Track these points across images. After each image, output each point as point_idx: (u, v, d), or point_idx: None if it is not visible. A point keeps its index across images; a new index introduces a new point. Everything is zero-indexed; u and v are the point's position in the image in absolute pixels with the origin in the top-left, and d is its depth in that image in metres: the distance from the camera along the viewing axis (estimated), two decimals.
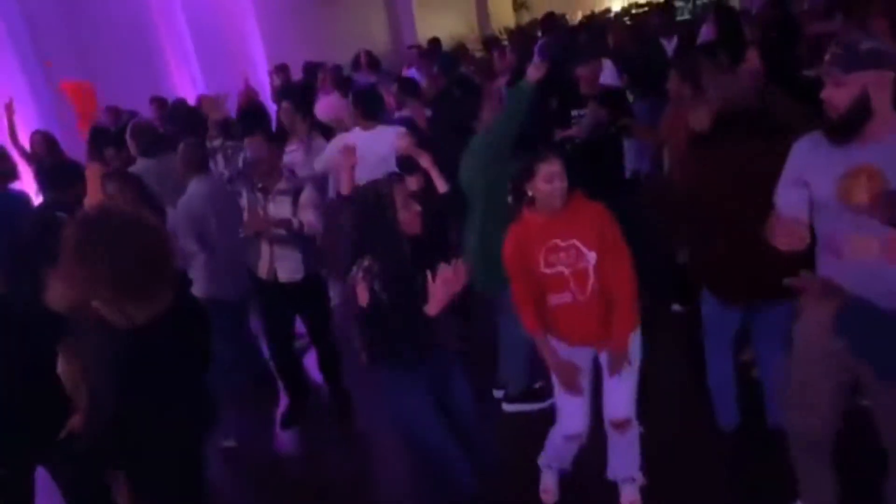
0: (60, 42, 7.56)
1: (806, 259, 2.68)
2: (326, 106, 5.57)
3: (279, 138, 4.51)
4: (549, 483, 3.09)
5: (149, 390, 2.01)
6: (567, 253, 2.62)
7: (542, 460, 3.12)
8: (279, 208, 3.77)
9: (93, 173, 3.06)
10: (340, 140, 4.39)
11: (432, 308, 2.45)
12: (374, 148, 4.17)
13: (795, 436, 2.51)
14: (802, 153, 2.26)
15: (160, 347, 2.02)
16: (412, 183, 3.59)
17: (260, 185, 3.79)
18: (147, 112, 7.00)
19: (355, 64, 8.39)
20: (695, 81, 3.63)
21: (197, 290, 3.82)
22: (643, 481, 2.98)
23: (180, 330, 2.09)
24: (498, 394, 3.89)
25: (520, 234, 2.71)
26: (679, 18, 10.58)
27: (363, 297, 2.49)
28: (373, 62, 8.21)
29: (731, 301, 2.93)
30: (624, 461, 2.92)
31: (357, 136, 4.30)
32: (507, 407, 3.81)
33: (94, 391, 2.08)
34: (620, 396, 2.77)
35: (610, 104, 4.27)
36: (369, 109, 4.46)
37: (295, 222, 3.74)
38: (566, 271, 2.64)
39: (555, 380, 2.82)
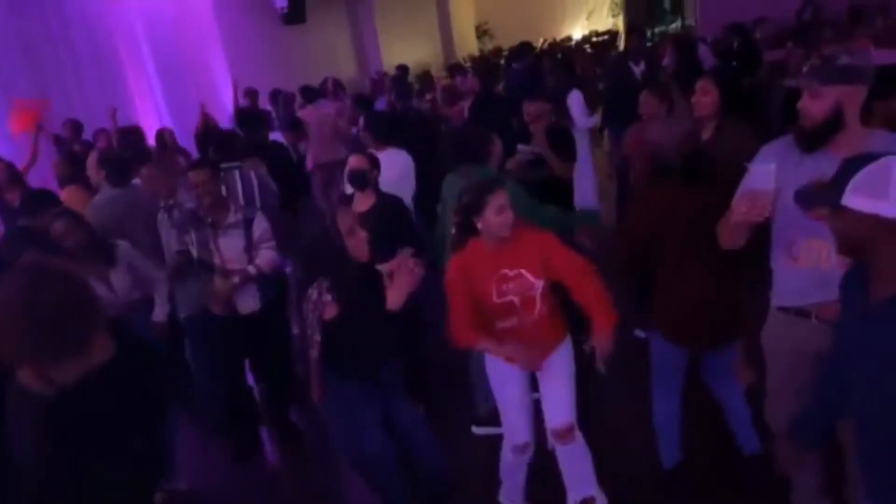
0: (17, 66, 7.41)
1: (740, 311, 2.82)
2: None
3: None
4: None
5: (81, 457, 1.84)
6: (515, 282, 2.66)
7: (502, 496, 3.10)
8: (231, 242, 3.67)
9: (78, 197, 2.96)
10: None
11: (392, 302, 2.53)
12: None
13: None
14: (774, 153, 2.30)
15: (91, 408, 1.83)
16: (364, 202, 3.68)
17: (209, 220, 3.67)
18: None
19: (321, 91, 8.45)
20: (670, 103, 3.71)
21: (184, 309, 3.87)
22: (604, 501, 2.93)
23: (120, 382, 1.90)
24: (479, 431, 3.80)
25: (465, 262, 2.71)
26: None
27: (330, 310, 2.55)
28: (338, 88, 8.35)
29: (680, 342, 2.92)
30: (576, 476, 2.88)
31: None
32: (476, 430, 3.78)
33: (18, 463, 1.87)
34: (560, 403, 2.78)
35: (553, 142, 4.21)
36: (381, 132, 4.58)
37: (252, 269, 3.65)
38: (515, 300, 2.69)
39: (497, 393, 2.86)
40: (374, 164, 3.79)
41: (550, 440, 2.85)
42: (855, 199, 1.58)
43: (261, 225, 3.72)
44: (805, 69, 2.25)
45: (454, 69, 9.75)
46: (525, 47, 8.72)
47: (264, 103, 8.78)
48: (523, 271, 2.66)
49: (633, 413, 3.43)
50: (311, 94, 7.61)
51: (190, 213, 3.75)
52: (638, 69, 6.71)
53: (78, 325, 1.78)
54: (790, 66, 5.80)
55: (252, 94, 8.58)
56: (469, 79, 7.18)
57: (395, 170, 4.28)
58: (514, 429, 2.88)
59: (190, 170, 3.75)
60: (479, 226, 2.63)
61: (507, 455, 2.96)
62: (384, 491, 2.89)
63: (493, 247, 2.66)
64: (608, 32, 14.75)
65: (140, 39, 9.13)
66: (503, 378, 2.84)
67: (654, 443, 3.13)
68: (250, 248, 3.69)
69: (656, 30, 15.16)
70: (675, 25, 15.18)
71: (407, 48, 14.53)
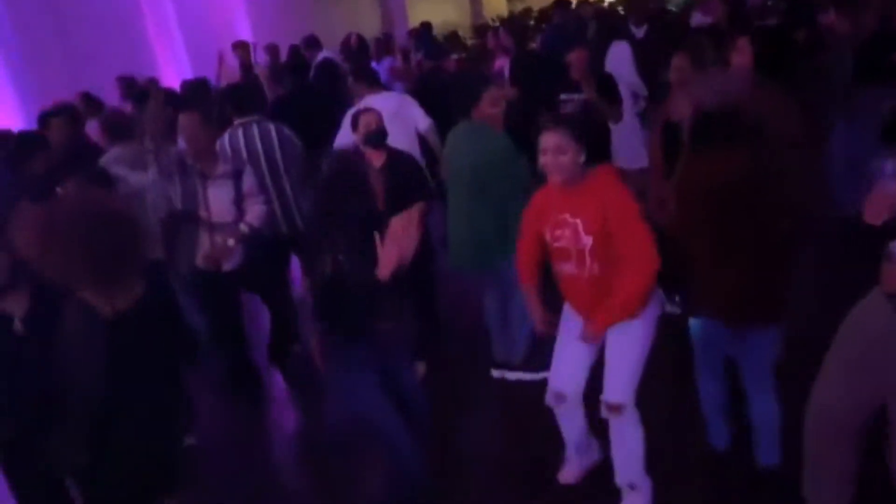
0: (42, 22, 7.30)
1: (788, 282, 2.61)
2: None
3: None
4: (568, 464, 3.02)
5: (127, 378, 2.00)
6: (569, 230, 2.57)
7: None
8: (220, 192, 3.54)
9: None
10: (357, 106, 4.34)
11: (383, 270, 2.45)
12: (385, 106, 4.12)
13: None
14: None
15: (137, 335, 2.02)
16: (377, 158, 3.64)
17: (198, 168, 3.53)
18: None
19: (345, 47, 8.28)
20: (703, 66, 3.46)
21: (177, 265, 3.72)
22: (648, 492, 2.76)
23: (153, 320, 2.08)
24: (497, 373, 3.86)
25: (538, 200, 2.76)
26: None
27: (328, 266, 2.49)
28: (363, 46, 8.13)
29: (714, 317, 2.73)
30: (621, 460, 2.75)
31: (369, 100, 4.31)
32: (509, 375, 3.81)
33: (73, 381, 2.00)
34: (615, 379, 2.65)
35: (601, 86, 4.21)
36: (372, 80, 4.72)
37: (244, 227, 3.56)
38: (570, 247, 2.59)
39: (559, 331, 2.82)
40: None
41: (603, 409, 2.71)
42: None
43: (249, 178, 3.63)
44: None
45: (481, 29, 9.53)
46: (561, 2, 8.43)
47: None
48: (579, 221, 2.54)
49: (680, 396, 3.24)
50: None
51: (177, 159, 3.61)
52: (639, 33, 6.36)
53: (132, 257, 1.99)
54: (838, 33, 5.49)
55: (273, 49, 8.40)
56: (501, 36, 6.89)
57: (389, 105, 4.21)
58: (552, 373, 2.83)
59: (181, 113, 3.63)
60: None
61: (548, 399, 2.89)
62: (391, 453, 2.74)
63: (559, 188, 2.60)
64: None
65: (166, 2, 8.99)
66: (564, 318, 2.82)
67: (702, 427, 2.98)
68: (239, 200, 3.59)
69: None
70: None
71: (433, 8, 14.20)
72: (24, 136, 4.34)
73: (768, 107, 2.82)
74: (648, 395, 2.75)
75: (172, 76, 8.86)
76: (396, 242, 2.47)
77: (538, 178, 2.79)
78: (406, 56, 8.72)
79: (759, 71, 3.20)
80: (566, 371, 2.78)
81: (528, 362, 3.75)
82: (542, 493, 3.00)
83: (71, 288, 1.97)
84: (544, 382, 2.91)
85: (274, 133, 4.13)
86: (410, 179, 3.65)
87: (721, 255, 2.57)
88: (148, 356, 2.09)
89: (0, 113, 6.18)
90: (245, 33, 10.05)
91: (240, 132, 4.10)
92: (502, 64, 6.37)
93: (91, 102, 6.26)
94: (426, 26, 9.65)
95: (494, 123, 3.52)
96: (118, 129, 4.28)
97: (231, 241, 3.52)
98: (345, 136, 4.12)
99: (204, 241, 3.54)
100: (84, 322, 1.96)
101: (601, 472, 2.91)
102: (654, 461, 2.80)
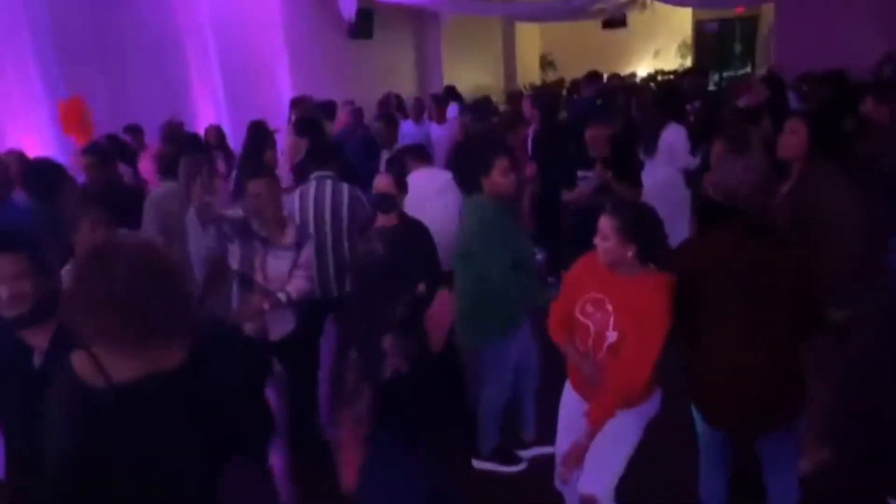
0: (85, 60, 7.50)
1: (801, 386, 2.48)
2: None
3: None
4: None
5: (114, 469, 1.58)
6: (601, 315, 2.51)
7: None
8: (279, 264, 3.43)
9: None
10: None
11: (436, 340, 2.39)
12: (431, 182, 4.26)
13: None
14: None
15: (141, 417, 1.58)
16: (390, 220, 3.56)
17: (264, 234, 3.43)
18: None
19: (383, 106, 8.39)
20: (741, 148, 3.42)
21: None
22: None
23: (182, 397, 1.63)
24: (479, 465, 3.72)
25: (588, 261, 2.66)
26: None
27: (398, 363, 2.30)
28: (400, 106, 8.26)
29: (719, 427, 2.62)
30: None
31: (416, 175, 4.28)
32: (477, 464, 3.70)
33: (48, 450, 1.65)
34: (591, 469, 2.59)
35: (617, 167, 4.08)
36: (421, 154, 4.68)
37: (282, 296, 3.38)
38: (593, 330, 2.54)
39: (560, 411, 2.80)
40: (402, 187, 3.63)
41: (579, 499, 2.66)
42: None
43: (308, 250, 3.53)
44: None
45: (514, 96, 9.58)
46: (593, 75, 8.46)
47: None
48: (612, 311, 2.47)
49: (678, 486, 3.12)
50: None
51: (240, 224, 3.50)
52: (691, 108, 6.46)
53: (161, 317, 1.56)
54: (875, 122, 5.48)
55: (301, 101, 8.47)
56: (527, 106, 6.91)
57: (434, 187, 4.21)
58: (557, 458, 2.78)
59: (249, 179, 3.51)
60: None
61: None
62: None
63: (608, 270, 2.54)
64: (674, 72, 14.41)
65: (207, 43, 9.20)
66: (564, 401, 2.83)
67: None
68: (292, 270, 3.47)
69: (724, 74, 14.83)
70: (746, 71, 14.83)
71: (469, 72, 14.47)
72: (51, 167, 4.31)
73: (828, 185, 2.80)
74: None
75: (209, 115, 9.03)
76: (438, 318, 2.39)
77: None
78: (441, 115, 8.73)
79: (812, 153, 3.15)
80: (563, 448, 2.72)
81: (495, 452, 3.66)
82: None
83: (84, 342, 1.62)
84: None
85: (346, 192, 4.03)
86: (417, 250, 3.45)
87: (723, 347, 2.46)
88: (174, 438, 1.63)
89: (42, 148, 6.27)
90: (284, 80, 10.28)
91: (312, 186, 4.04)
92: (527, 132, 6.35)
93: (138, 136, 6.39)
94: (450, 90, 9.62)
95: (503, 193, 3.37)
96: (170, 165, 4.27)
97: (266, 305, 3.37)
98: None
99: (251, 303, 3.39)
100: (68, 390, 1.62)
101: None
102: None
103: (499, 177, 3.32)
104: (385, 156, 5.54)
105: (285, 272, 3.44)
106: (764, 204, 2.57)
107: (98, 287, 1.52)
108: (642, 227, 2.44)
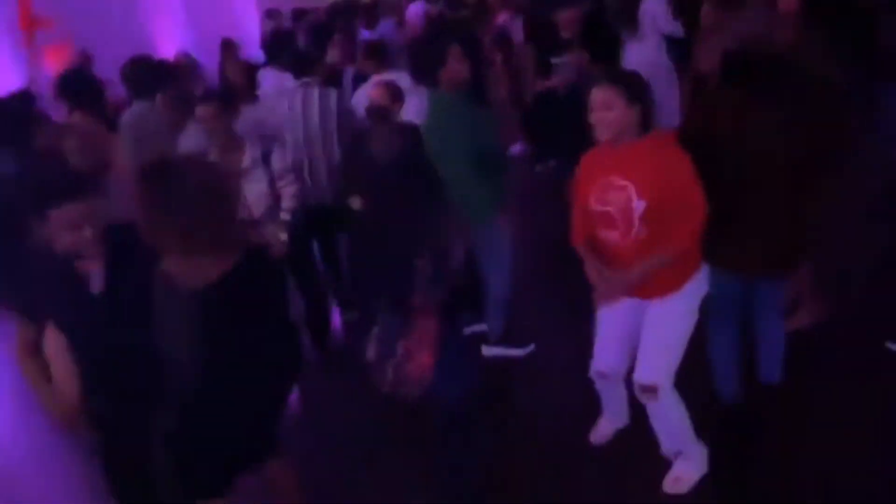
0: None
1: (808, 234, 2.59)
2: None
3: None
4: (600, 426, 3.03)
5: (228, 349, 1.91)
6: (619, 194, 2.42)
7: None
8: (252, 187, 3.36)
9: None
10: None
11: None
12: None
13: None
14: None
15: (234, 302, 1.90)
16: None
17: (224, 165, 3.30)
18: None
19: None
20: (733, 9, 3.33)
21: None
22: (699, 458, 2.73)
23: (251, 285, 1.94)
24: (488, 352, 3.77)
25: (586, 162, 2.60)
26: None
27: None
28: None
29: (727, 269, 2.67)
30: (663, 434, 2.72)
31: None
32: (486, 351, 3.72)
33: (174, 362, 1.94)
34: (648, 358, 2.57)
35: (594, 47, 3.93)
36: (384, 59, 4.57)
37: (285, 216, 3.43)
38: (614, 212, 2.45)
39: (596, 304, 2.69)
40: (397, 96, 3.46)
41: (636, 389, 2.64)
42: None
43: (279, 155, 3.47)
44: None
45: None
46: None
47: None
48: (630, 184, 2.39)
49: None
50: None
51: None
52: None
53: (227, 221, 1.86)
54: None
55: (275, 15, 8.18)
56: None
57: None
58: (596, 354, 2.77)
59: (198, 104, 3.42)
60: None
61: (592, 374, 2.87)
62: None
63: (611, 149, 2.46)
64: None
65: None
66: (600, 317, 2.74)
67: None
68: (273, 183, 3.43)
69: None
70: None
71: None
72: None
73: (813, 53, 2.75)
74: None
75: (168, 35, 8.62)
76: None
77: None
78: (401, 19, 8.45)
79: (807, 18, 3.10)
80: (608, 349, 2.73)
81: (508, 336, 3.71)
82: (587, 461, 2.96)
83: (159, 254, 1.86)
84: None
85: (334, 100, 3.96)
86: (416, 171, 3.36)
87: (743, 206, 2.51)
88: (249, 323, 1.95)
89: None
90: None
91: (299, 93, 3.95)
92: (504, 20, 6.13)
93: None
94: None
95: (460, 81, 3.29)
96: (145, 85, 4.16)
97: (283, 236, 3.41)
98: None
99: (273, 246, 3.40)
100: (170, 297, 1.87)
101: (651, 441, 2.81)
102: None
103: (455, 63, 3.23)
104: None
105: (263, 191, 3.41)
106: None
107: (165, 204, 1.73)
108: (640, 87, 2.43)
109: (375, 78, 4.21)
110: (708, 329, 2.88)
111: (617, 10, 4.63)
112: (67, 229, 1.95)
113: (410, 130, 3.48)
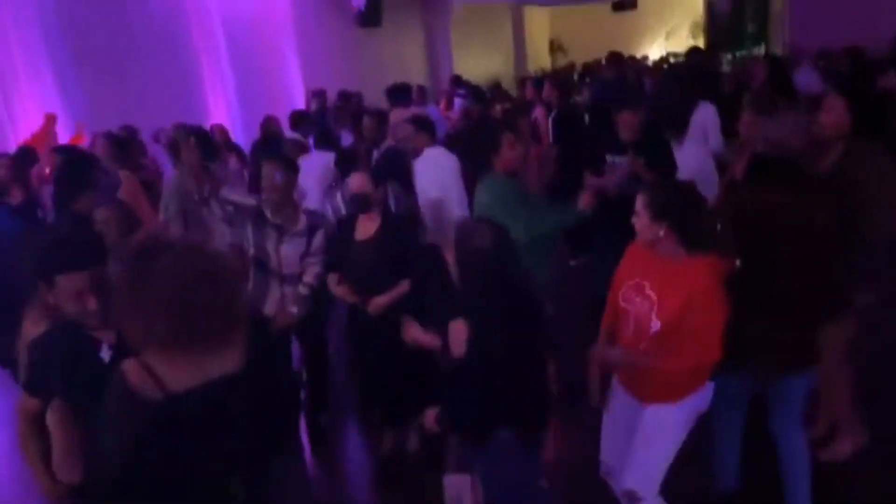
0: (97, 59, 7.48)
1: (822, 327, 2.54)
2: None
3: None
4: None
5: (167, 480, 1.45)
6: (644, 302, 2.38)
7: None
8: (293, 248, 3.48)
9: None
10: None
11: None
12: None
13: None
14: None
15: (198, 426, 1.49)
16: (367, 225, 3.46)
17: (278, 222, 3.47)
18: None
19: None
20: (771, 111, 3.32)
21: None
22: None
23: (239, 404, 1.56)
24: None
25: (635, 252, 2.55)
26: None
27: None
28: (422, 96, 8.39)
29: (740, 364, 2.55)
30: None
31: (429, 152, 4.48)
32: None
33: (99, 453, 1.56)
34: (633, 465, 2.48)
35: (648, 154, 3.89)
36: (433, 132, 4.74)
37: (303, 290, 3.50)
38: (633, 314, 2.42)
39: None
40: (377, 183, 3.54)
41: (619, 494, 2.58)
42: None
43: (320, 236, 3.54)
44: None
45: (524, 81, 9.54)
46: (615, 56, 8.27)
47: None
48: (656, 298, 2.33)
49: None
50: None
51: (252, 211, 3.54)
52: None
53: (214, 318, 1.42)
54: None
55: (319, 94, 8.49)
56: (546, 88, 6.82)
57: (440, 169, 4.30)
58: (602, 446, 2.71)
59: (264, 163, 3.56)
60: None
61: None
62: None
63: (652, 254, 2.42)
64: (687, 54, 14.22)
65: (217, 37, 9.18)
66: (613, 391, 2.67)
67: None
68: (307, 255, 3.51)
69: (738, 54, 14.63)
70: (759, 50, 14.62)
71: (479, 59, 14.38)
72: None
73: (870, 165, 2.77)
74: None
75: (221, 111, 9.03)
76: None
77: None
78: (449, 102, 8.87)
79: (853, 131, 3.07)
80: (613, 446, 2.65)
81: None
82: None
83: (136, 349, 1.51)
84: None
85: (389, 190, 4.11)
86: (403, 251, 3.43)
87: (760, 301, 2.47)
88: (230, 445, 1.56)
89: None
90: (293, 67, 10.22)
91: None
92: (538, 115, 6.36)
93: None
94: (457, 78, 9.82)
95: (514, 166, 3.53)
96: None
97: (294, 309, 3.48)
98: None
99: (275, 292, 3.50)
100: (120, 399, 1.51)
101: None
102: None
103: (508, 151, 3.46)
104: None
105: (298, 255, 3.49)
106: (815, 156, 2.66)
107: (143, 290, 1.41)
108: (674, 204, 2.32)
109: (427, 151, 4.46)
110: (714, 421, 2.79)
111: (671, 115, 4.69)
112: (73, 297, 1.90)
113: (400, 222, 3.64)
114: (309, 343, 3.93)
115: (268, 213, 3.49)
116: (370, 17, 11.16)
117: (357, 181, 3.45)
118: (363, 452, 3.97)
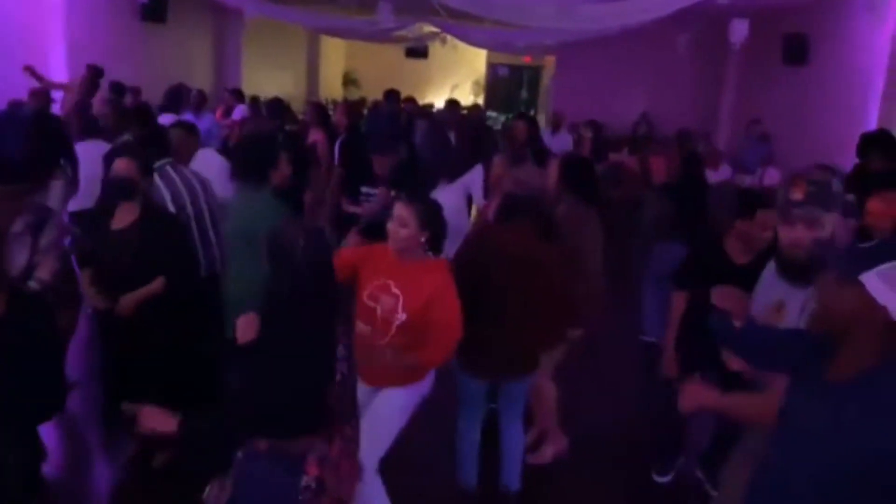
0: None
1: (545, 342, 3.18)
2: None
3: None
4: None
5: None
6: (390, 300, 2.70)
7: None
8: (18, 256, 3.13)
9: None
10: None
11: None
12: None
13: None
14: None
15: None
16: (124, 215, 3.32)
17: None
18: None
19: (171, 95, 8.02)
20: (517, 162, 3.94)
21: None
22: None
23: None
24: None
25: (378, 249, 2.85)
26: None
27: None
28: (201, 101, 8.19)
29: (482, 376, 3.17)
30: None
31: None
32: None
33: None
34: (365, 437, 2.66)
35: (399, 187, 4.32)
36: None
37: (34, 284, 3.10)
38: (379, 312, 2.72)
39: None
40: (146, 172, 3.40)
41: None
42: (876, 283, 1.47)
43: (51, 231, 3.24)
44: (797, 194, 2.08)
45: (314, 106, 9.64)
46: (394, 94, 8.92)
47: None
48: (401, 295, 2.68)
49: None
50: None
51: None
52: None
53: None
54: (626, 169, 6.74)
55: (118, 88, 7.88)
56: (338, 113, 6.91)
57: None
58: None
59: None
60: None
61: None
62: None
63: (396, 257, 2.77)
64: (474, 107, 15.35)
65: None
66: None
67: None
68: (33, 257, 3.16)
69: (510, 115, 16.17)
70: (531, 113, 16.31)
71: (271, 77, 14.22)
72: None
73: (577, 223, 3.34)
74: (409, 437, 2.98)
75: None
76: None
77: None
78: (227, 111, 8.76)
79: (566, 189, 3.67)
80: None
81: None
82: None
83: None
84: None
85: (192, 175, 3.99)
86: (164, 247, 3.29)
87: (494, 319, 2.95)
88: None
89: None
90: (58, 56, 9.26)
91: (172, 172, 3.86)
92: (316, 138, 6.61)
93: None
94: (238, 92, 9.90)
95: (285, 185, 3.67)
96: None
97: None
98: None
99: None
100: None
101: None
102: (413, 498, 3.06)
103: (285, 168, 3.59)
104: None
105: (23, 263, 3.15)
106: (552, 207, 3.25)
107: None
108: (435, 217, 2.76)
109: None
110: (458, 421, 3.25)
111: (443, 167, 5.12)
112: None
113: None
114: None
115: None
116: (153, 12, 10.57)
117: (122, 165, 3.24)
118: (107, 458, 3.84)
